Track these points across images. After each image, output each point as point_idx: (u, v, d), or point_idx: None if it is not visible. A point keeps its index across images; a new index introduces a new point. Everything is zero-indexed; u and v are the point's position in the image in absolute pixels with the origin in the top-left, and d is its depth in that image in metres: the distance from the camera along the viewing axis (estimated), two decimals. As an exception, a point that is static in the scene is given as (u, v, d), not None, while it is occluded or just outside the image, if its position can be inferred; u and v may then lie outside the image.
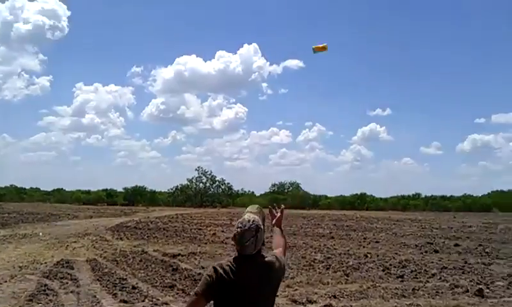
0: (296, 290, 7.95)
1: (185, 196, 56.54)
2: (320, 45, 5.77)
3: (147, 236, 16.14)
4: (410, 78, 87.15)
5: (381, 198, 58.23)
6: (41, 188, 61.07)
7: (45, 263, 10.20)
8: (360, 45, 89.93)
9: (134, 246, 13.34)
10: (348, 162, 74.94)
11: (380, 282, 8.73)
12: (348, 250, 13.18)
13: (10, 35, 59.28)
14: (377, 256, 12.09)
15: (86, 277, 8.76)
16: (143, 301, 7.08)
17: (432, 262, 11.09)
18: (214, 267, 2.37)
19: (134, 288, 7.81)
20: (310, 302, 7.17)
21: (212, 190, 58.61)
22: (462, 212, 47.76)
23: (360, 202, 55.25)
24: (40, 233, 16.44)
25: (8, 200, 48.67)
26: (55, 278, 8.51)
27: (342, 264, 10.62)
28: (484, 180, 75.32)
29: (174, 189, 57.57)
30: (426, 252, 13.12)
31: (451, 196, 59.61)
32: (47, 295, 7.24)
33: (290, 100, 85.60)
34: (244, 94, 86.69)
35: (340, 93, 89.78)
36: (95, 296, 7.25)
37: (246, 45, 76.20)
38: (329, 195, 61.00)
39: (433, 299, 7.48)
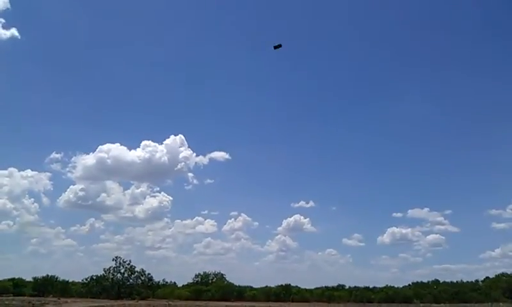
0: None
1: (100, 287, 54.07)
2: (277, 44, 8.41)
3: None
4: (331, 173, 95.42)
5: (306, 289, 58.95)
6: None
7: None
8: (283, 141, 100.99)
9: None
10: (273, 251, 76.74)
11: None
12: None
13: None
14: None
15: None
16: None
17: None
18: None
19: None
20: None
21: (130, 281, 56.11)
22: (385, 303, 50.33)
23: (285, 293, 55.99)
24: None
25: None
26: None
27: None
28: (404, 271, 79.46)
29: (89, 279, 54.74)
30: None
31: (374, 287, 61.05)
32: None
33: (216, 190, 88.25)
34: (169, 183, 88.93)
35: (265, 184, 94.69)
36: None
37: (172, 136, 79.44)
38: (254, 285, 62.03)
39: None
